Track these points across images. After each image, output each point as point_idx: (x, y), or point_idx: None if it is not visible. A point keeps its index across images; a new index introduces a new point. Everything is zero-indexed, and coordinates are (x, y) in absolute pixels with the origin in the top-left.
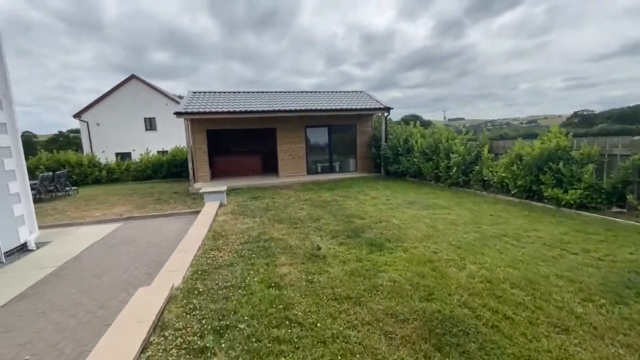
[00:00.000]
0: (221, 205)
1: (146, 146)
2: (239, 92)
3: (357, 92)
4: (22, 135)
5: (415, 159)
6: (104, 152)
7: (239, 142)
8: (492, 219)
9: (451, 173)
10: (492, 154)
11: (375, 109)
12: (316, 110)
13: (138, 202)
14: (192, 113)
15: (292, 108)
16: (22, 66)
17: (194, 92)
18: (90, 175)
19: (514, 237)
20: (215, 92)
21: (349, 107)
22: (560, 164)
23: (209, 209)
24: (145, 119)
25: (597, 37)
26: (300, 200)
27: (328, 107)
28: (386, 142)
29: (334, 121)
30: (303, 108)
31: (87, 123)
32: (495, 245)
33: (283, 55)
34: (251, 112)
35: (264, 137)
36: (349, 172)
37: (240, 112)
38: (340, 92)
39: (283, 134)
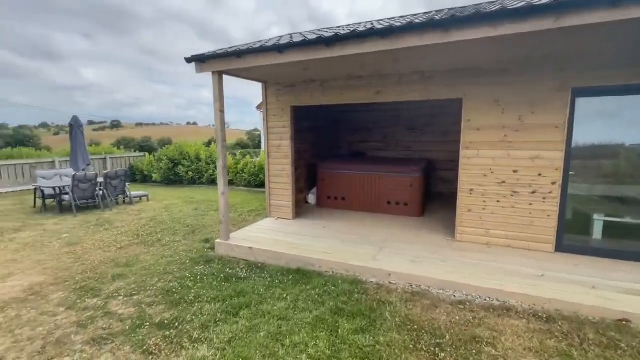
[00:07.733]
0: None
1: None
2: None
3: None
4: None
5: None
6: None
7: (378, 137)
8: None
9: None
10: None
11: None
12: None
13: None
14: (228, 55)
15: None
16: None
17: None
18: (206, 173)
19: None
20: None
21: None
22: None
23: None
24: None
25: None
26: None
27: None
28: None
29: None
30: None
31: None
32: None
33: None
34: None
35: (435, 125)
36: None
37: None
38: None
39: (481, 114)
